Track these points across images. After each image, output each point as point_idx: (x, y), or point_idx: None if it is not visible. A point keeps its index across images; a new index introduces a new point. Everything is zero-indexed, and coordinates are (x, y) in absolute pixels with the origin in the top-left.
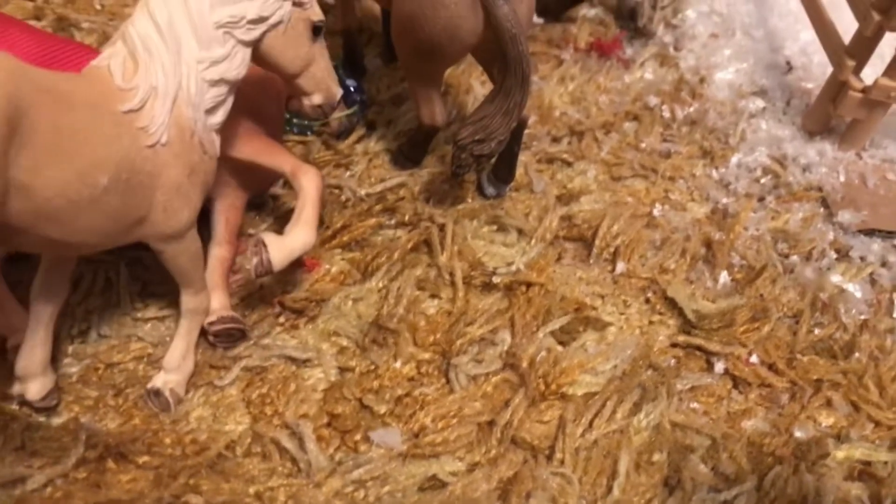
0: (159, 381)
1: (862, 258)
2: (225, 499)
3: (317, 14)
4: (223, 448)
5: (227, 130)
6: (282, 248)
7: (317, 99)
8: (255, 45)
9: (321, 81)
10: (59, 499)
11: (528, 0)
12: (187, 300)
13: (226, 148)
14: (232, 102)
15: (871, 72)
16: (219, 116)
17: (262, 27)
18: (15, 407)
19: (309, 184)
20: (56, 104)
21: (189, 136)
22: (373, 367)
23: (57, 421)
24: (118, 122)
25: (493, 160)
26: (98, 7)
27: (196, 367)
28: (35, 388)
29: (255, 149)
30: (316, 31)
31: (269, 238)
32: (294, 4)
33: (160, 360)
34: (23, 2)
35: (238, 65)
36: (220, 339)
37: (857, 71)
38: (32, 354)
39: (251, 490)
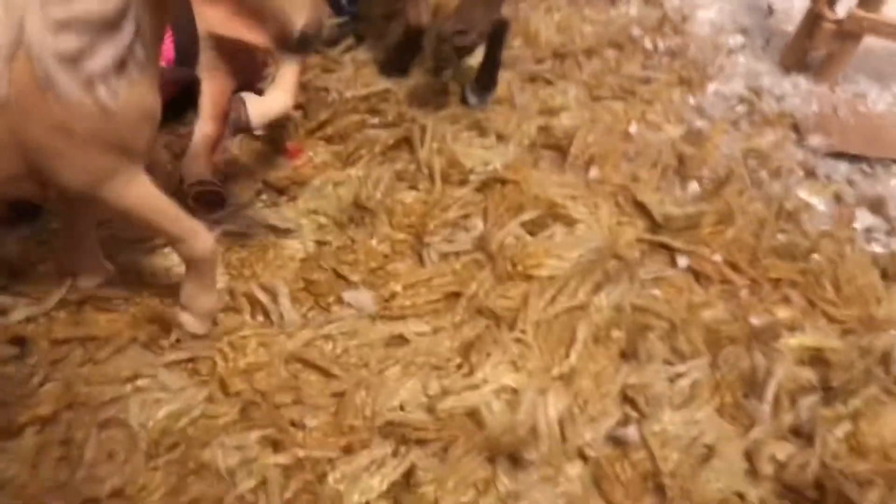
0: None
1: (828, 177)
2: (199, 344)
3: None
4: None
5: (206, 8)
6: (260, 106)
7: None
8: None
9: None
10: (39, 332)
11: None
12: (177, 250)
13: (207, 26)
14: (124, 41)
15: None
16: (96, 62)
17: None
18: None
19: None
20: None
21: (40, 93)
22: (350, 242)
23: (42, 269)
24: None
25: (475, 67)
26: None
27: None
28: (84, 282)
29: (238, 26)
30: None
31: (249, 97)
32: None
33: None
34: None
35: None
36: (199, 203)
37: (831, 3)
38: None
39: (224, 339)
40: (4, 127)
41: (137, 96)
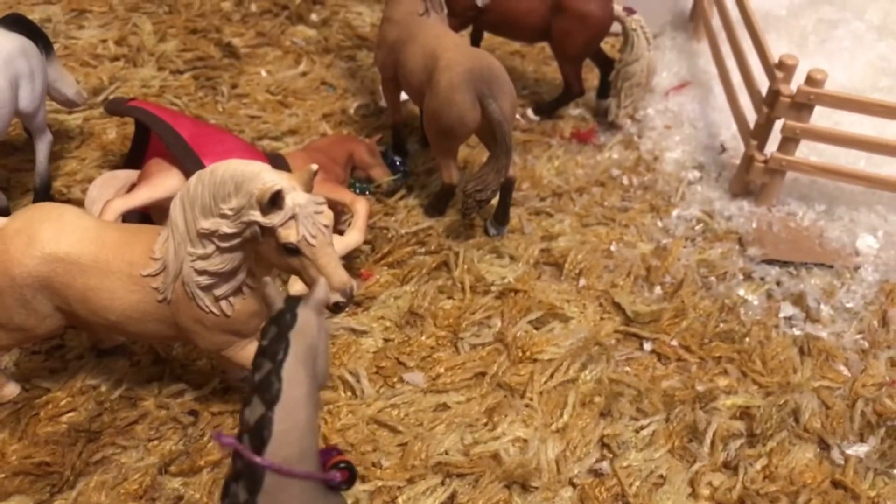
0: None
1: (762, 279)
2: None
3: (283, 237)
4: None
5: None
6: (340, 243)
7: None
8: (246, 248)
9: (312, 281)
10: (203, 406)
11: (511, 100)
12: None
13: None
14: (239, 279)
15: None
16: (221, 290)
17: (236, 241)
18: (175, 350)
19: (361, 207)
20: (79, 273)
21: (188, 299)
22: (406, 338)
23: (199, 364)
24: (134, 283)
25: (494, 208)
26: (220, 109)
27: None
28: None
29: (326, 189)
30: (288, 251)
31: (333, 237)
32: (260, 227)
33: None
34: (170, 106)
35: (219, 264)
36: None
37: (760, 148)
38: None
39: (325, 408)
40: (168, 313)
41: (247, 306)
